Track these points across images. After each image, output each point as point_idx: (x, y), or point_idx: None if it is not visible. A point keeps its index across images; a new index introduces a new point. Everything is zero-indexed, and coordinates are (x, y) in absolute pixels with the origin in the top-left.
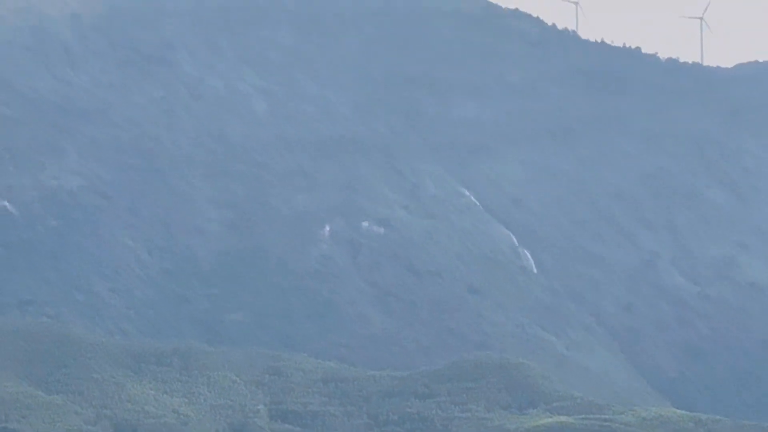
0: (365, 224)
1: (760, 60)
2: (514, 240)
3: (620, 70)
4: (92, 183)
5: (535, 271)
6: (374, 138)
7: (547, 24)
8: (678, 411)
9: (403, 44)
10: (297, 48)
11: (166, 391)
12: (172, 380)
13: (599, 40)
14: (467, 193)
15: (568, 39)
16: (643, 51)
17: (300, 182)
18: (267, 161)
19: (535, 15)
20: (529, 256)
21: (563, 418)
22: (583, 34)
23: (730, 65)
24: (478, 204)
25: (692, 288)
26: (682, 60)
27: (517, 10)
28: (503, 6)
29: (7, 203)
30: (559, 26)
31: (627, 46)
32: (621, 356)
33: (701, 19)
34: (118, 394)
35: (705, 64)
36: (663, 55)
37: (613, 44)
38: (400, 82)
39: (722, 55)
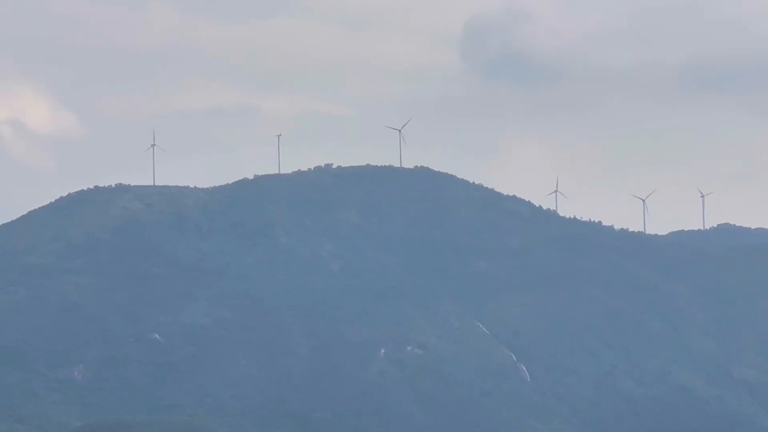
0: (409, 348)
1: (686, 229)
2: (514, 358)
3: (587, 238)
4: (217, 320)
5: (529, 380)
6: (416, 288)
7: (535, 205)
8: None
9: (435, 221)
10: (361, 225)
11: None
12: None
13: (573, 216)
14: (481, 326)
15: (550, 216)
16: (603, 224)
17: (363, 319)
18: (340, 305)
19: (527, 199)
20: (525, 370)
21: None
22: (561, 212)
23: (665, 233)
24: (488, 333)
25: (639, 390)
26: (630, 230)
27: (514, 196)
28: (504, 193)
29: (157, 335)
30: (544, 207)
31: (591, 220)
32: None
33: (643, 200)
34: None
35: (647, 232)
36: (617, 226)
37: (581, 219)
38: (433, 248)
39: (660, 225)
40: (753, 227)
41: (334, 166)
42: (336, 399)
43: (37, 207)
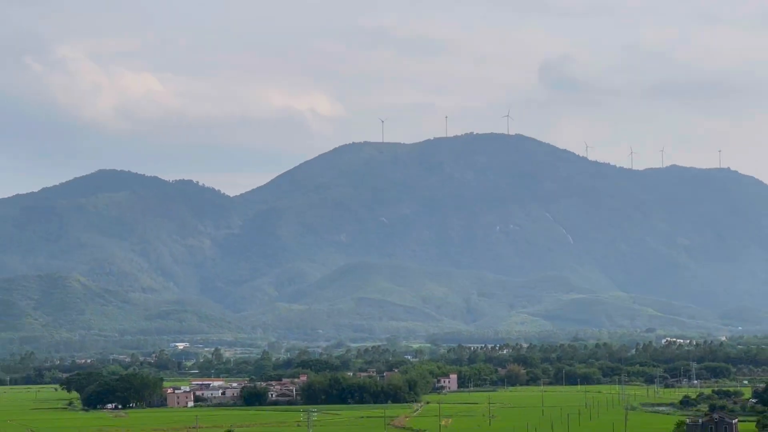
0: (511, 226)
1: (653, 167)
2: (564, 231)
3: (604, 171)
4: (432, 210)
5: (572, 242)
6: (515, 196)
7: (576, 154)
8: (622, 292)
9: (526, 162)
10: (487, 163)
11: None
12: None
13: (596, 160)
14: (547, 214)
15: (584, 160)
16: (611, 164)
17: (487, 211)
18: (476, 205)
19: (571, 150)
20: (570, 237)
21: (581, 295)
22: (590, 158)
23: (642, 168)
24: (551, 218)
25: (629, 250)
26: (624, 167)
27: (565, 149)
28: (560, 147)
29: (384, 219)
30: (580, 155)
31: (606, 162)
32: (604, 272)
33: (632, 151)
34: None
35: (633, 168)
36: (618, 165)
37: (600, 162)
38: (525, 175)
39: (640, 164)
40: (687, 166)
41: (474, 133)
42: (472, 250)
43: (323, 152)
